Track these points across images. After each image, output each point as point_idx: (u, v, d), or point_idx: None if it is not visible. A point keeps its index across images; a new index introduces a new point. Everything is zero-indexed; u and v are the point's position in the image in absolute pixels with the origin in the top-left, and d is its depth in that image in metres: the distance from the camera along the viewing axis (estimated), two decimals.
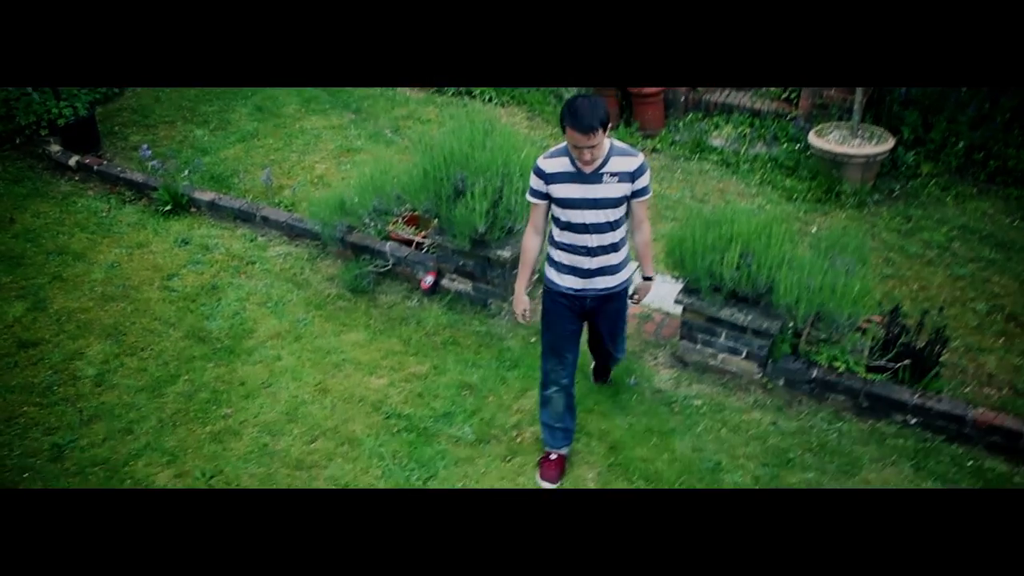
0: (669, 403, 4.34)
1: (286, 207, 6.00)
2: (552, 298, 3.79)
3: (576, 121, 3.25)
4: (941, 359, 4.27)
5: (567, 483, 3.93)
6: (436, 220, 4.98)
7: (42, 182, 6.45)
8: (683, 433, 4.17)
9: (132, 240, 5.75)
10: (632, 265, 3.81)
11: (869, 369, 4.19)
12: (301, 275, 5.40)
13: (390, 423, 4.28)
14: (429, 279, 5.10)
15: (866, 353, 4.23)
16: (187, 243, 5.72)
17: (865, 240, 4.41)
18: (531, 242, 3.73)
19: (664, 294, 4.65)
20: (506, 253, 4.73)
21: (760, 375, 4.38)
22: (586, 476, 3.98)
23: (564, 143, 3.47)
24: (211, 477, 4.02)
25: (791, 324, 4.32)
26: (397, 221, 5.39)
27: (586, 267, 3.62)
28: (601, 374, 4.50)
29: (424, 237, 5.26)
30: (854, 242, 4.20)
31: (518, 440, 4.17)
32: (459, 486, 3.94)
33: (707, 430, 4.19)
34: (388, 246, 5.30)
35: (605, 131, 3.32)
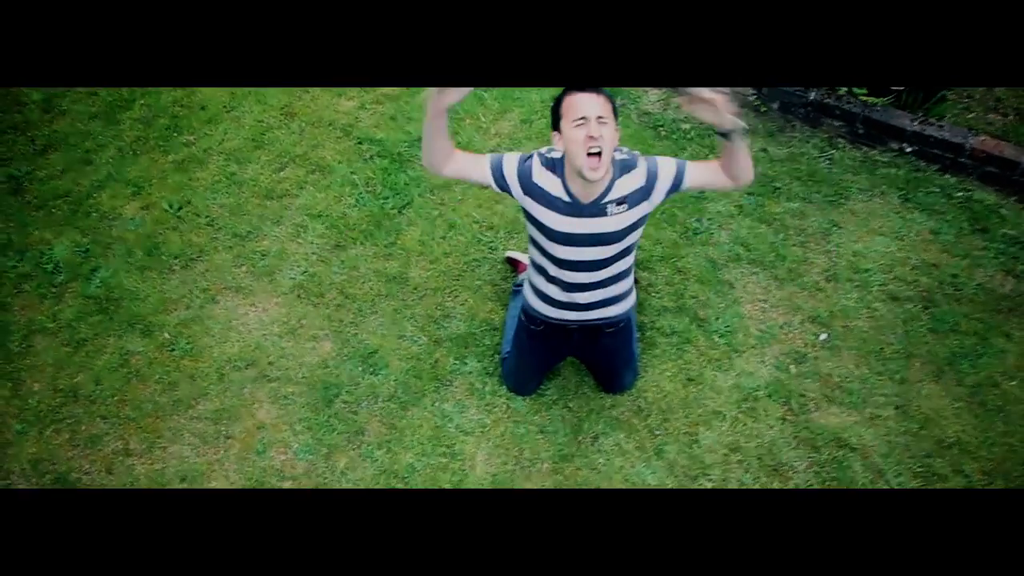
0: (656, 127, 4.12)
1: None
2: (525, 319, 3.08)
3: (574, 88, 2.54)
4: None
5: None
6: None
7: None
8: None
9: None
10: (635, 294, 3.06)
11: (872, 92, 3.94)
12: None
13: (362, 148, 4.07)
14: None
15: None
16: None
17: None
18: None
19: None
20: None
21: (755, 96, 4.12)
22: None
23: (560, 154, 2.63)
24: (179, 208, 3.88)
25: None
26: None
27: (572, 301, 2.90)
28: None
29: None
30: None
31: None
32: (435, 214, 3.82)
33: (693, 155, 4.00)
34: None
35: (616, 115, 2.57)
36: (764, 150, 4.00)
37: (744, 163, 2.60)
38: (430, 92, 2.48)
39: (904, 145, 3.92)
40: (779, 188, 3.87)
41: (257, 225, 3.82)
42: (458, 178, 2.76)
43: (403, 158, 4.01)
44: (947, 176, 3.88)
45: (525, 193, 2.71)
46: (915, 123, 3.87)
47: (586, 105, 2.51)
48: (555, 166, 2.67)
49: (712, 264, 3.64)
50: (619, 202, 2.66)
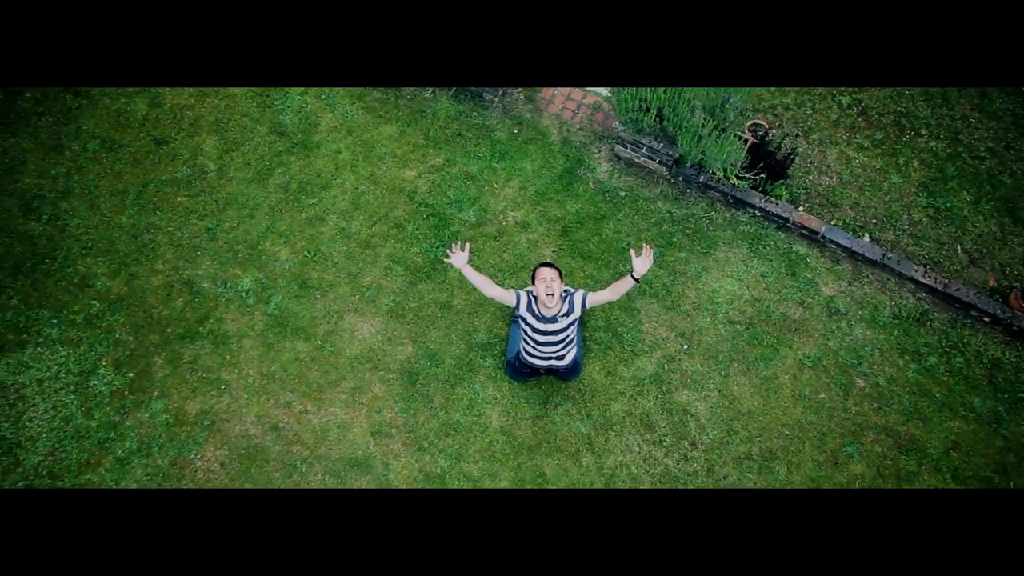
0: (604, 192, 6.51)
1: None
2: (517, 363, 5.68)
3: (542, 264, 5.16)
4: (797, 152, 6.28)
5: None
6: None
7: None
8: (609, 218, 6.43)
9: None
10: (578, 349, 5.58)
11: (738, 177, 6.27)
12: None
13: (420, 210, 6.54)
14: None
15: (739, 165, 6.26)
16: None
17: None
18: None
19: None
20: None
21: (667, 173, 6.47)
22: (545, 253, 6.37)
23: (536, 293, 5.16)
24: (314, 254, 6.46)
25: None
26: None
27: (541, 356, 5.40)
28: None
29: None
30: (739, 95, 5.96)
31: (504, 223, 6.47)
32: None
33: (625, 216, 6.44)
34: None
35: (561, 278, 5.10)
36: (669, 212, 6.43)
37: (627, 291, 5.18)
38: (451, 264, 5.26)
39: (756, 212, 6.32)
40: (675, 242, 6.34)
41: (362, 267, 6.41)
42: (496, 299, 5.34)
43: (446, 217, 6.49)
44: (780, 233, 6.30)
45: (527, 310, 5.30)
46: (762, 201, 6.24)
47: (545, 272, 5.10)
48: (536, 299, 5.26)
49: (628, 297, 6.21)
50: (563, 314, 5.26)
